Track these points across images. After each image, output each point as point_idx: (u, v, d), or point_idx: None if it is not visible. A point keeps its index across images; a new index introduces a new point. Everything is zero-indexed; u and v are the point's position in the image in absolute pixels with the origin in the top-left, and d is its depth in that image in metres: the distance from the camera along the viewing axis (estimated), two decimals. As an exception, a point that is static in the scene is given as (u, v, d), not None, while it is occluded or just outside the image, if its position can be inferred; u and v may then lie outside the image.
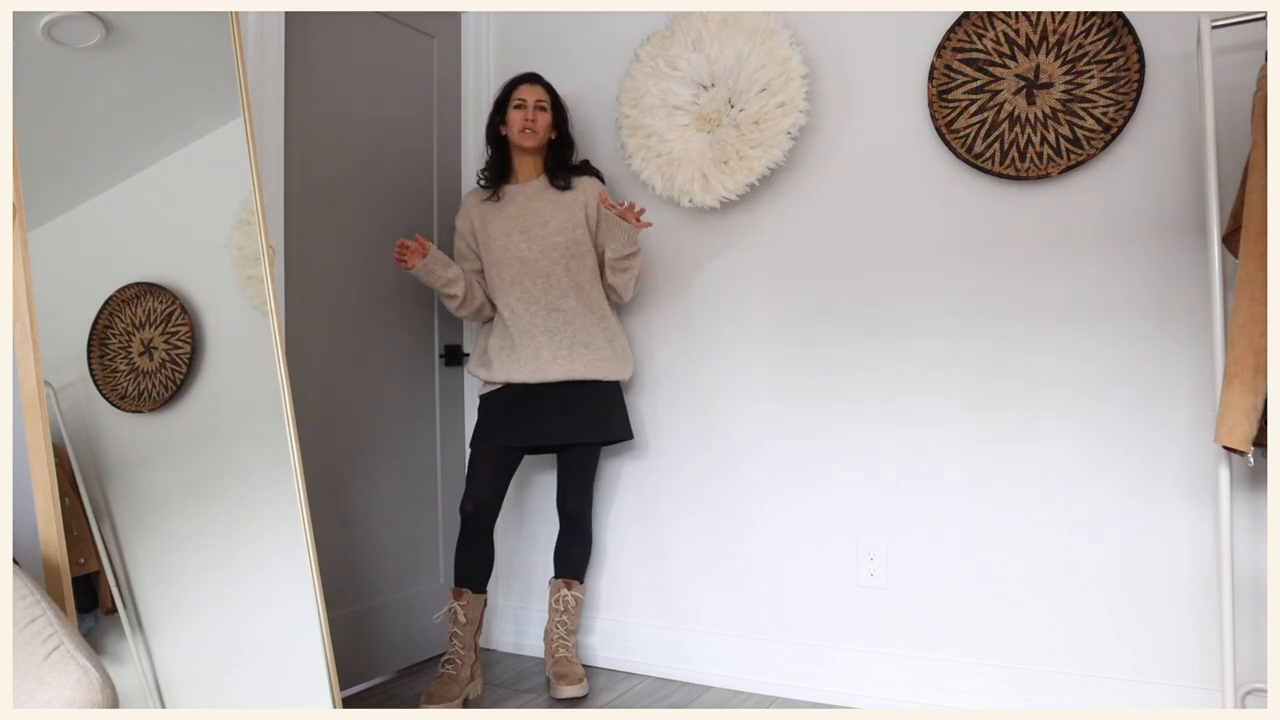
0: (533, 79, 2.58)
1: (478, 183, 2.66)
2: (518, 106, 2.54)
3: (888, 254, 2.40)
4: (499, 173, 2.60)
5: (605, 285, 2.58)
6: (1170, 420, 2.10)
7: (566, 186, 2.55)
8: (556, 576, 2.61)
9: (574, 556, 2.60)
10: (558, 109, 2.60)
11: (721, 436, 2.62)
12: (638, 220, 2.40)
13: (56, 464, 1.64)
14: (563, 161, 2.60)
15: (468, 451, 2.98)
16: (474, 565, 2.48)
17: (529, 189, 2.57)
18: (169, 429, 1.83)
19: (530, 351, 2.48)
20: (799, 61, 2.42)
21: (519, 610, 2.92)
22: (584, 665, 2.73)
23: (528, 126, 2.53)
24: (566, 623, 2.56)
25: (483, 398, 2.56)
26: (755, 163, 2.46)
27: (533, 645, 2.88)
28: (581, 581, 2.60)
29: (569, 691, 2.43)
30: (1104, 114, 2.13)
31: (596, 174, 2.64)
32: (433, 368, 2.87)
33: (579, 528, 2.60)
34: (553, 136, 2.59)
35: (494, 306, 2.59)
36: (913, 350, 2.37)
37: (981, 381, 2.29)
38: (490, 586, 2.96)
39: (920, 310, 2.36)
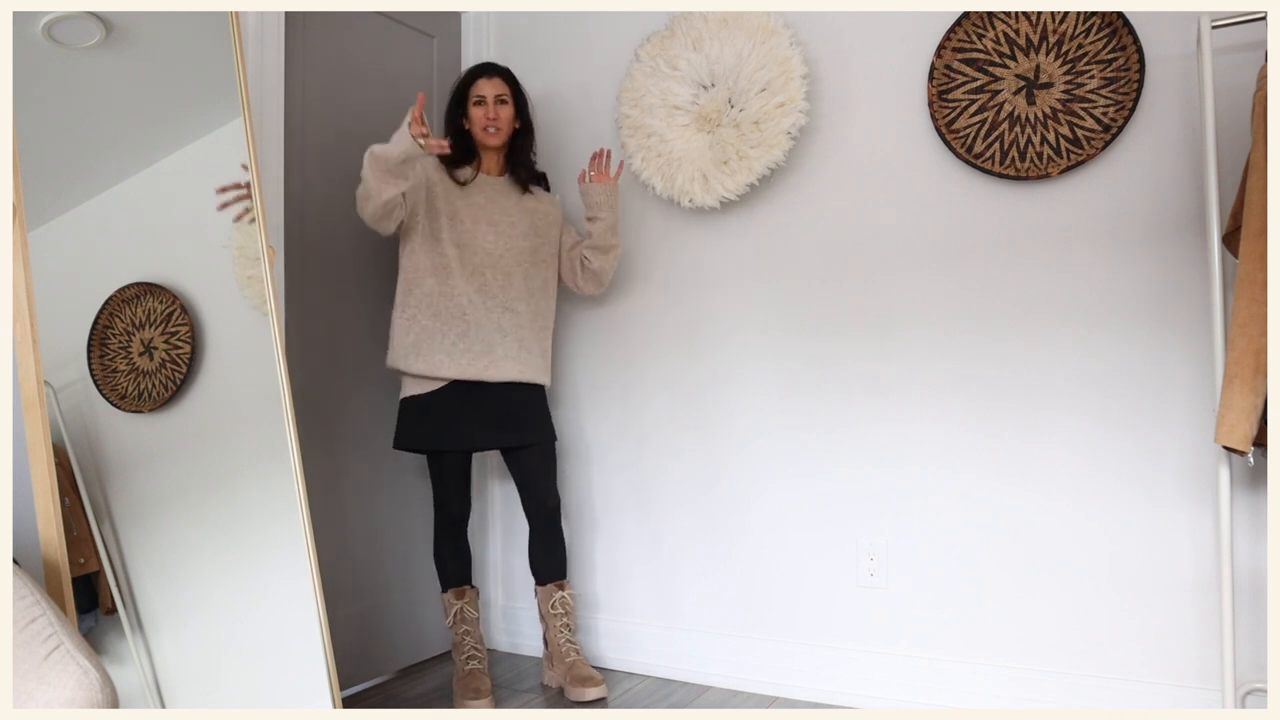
0: (490, 71, 2.51)
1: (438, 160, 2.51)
2: (477, 103, 2.49)
3: (888, 254, 2.40)
4: (463, 160, 2.51)
5: (581, 279, 2.60)
6: (1170, 420, 2.10)
7: (527, 191, 2.55)
8: (545, 582, 2.54)
9: (556, 557, 2.54)
10: (519, 98, 2.54)
11: (721, 436, 2.62)
12: (607, 169, 2.51)
13: (56, 464, 1.64)
14: (525, 156, 2.56)
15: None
16: (463, 564, 2.53)
17: (497, 184, 2.53)
18: (169, 429, 1.83)
19: (483, 346, 2.40)
20: (799, 61, 2.42)
21: (509, 609, 2.92)
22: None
23: (491, 125, 2.48)
24: (569, 624, 2.53)
25: (416, 399, 2.40)
26: (755, 163, 2.46)
27: (529, 645, 2.88)
28: (567, 577, 2.59)
29: (594, 693, 2.40)
30: (1104, 114, 2.13)
31: (548, 189, 2.67)
32: (433, 368, 2.86)
33: (554, 524, 2.53)
34: (516, 126, 2.54)
35: (412, 284, 2.43)
36: (913, 350, 2.37)
37: (981, 381, 2.29)
38: (481, 587, 2.97)
39: (920, 310, 2.36)
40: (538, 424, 2.51)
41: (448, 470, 2.45)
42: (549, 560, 2.54)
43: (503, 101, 2.50)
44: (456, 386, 2.42)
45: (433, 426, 2.40)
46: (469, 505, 2.51)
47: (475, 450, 2.46)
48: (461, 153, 2.52)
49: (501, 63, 2.94)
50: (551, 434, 2.54)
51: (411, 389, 2.43)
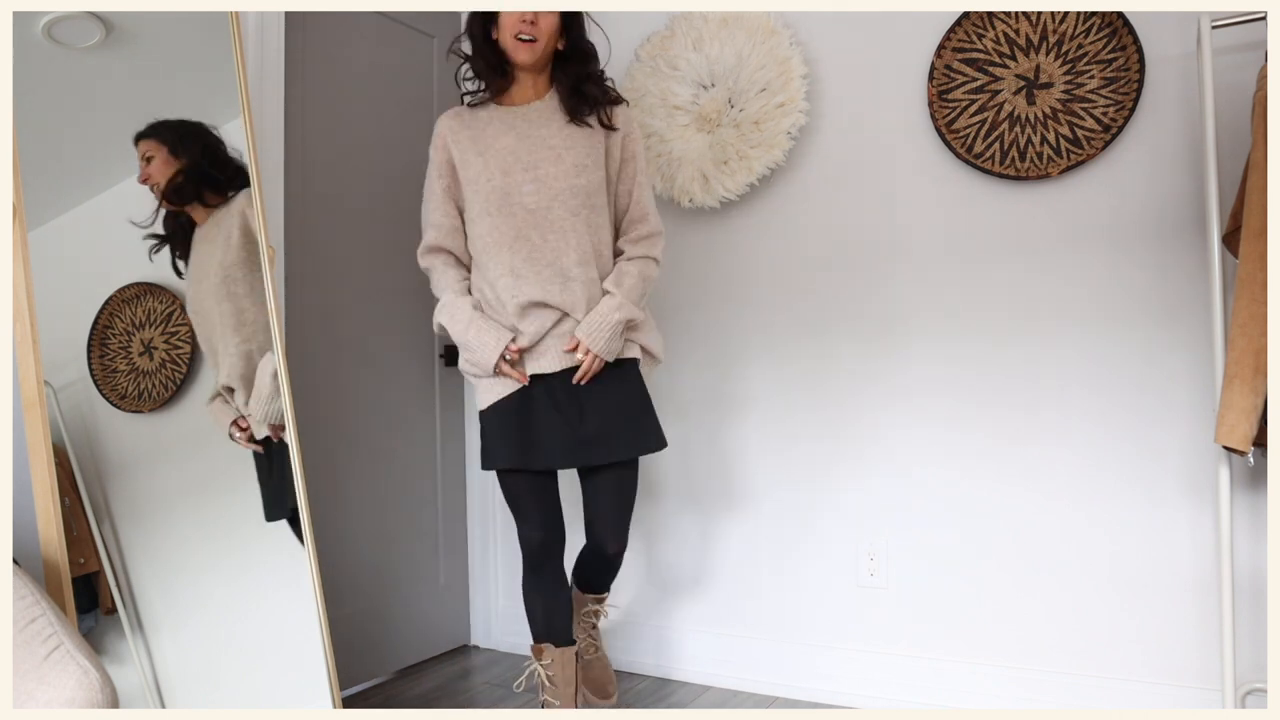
0: None
1: (462, 100, 2.07)
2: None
3: (888, 254, 2.40)
4: (490, 82, 1.97)
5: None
6: (1170, 420, 2.10)
7: (586, 119, 1.96)
8: (587, 591, 2.26)
9: (607, 579, 2.21)
10: (569, 15, 1.94)
11: (721, 436, 2.62)
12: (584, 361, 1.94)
13: (56, 464, 1.64)
14: (575, 80, 1.96)
15: (461, 454, 2.98)
16: (554, 608, 2.04)
17: (530, 112, 1.97)
18: (169, 429, 1.83)
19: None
20: (799, 61, 2.42)
21: (508, 609, 2.92)
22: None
23: (525, 31, 1.87)
24: (593, 624, 2.30)
25: (491, 408, 1.98)
26: (755, 163, 2.46)
27: (528, 645, 2.87)
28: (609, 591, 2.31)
29: (607, 706, 2.26)
30: (1104, 114, 2.13)
31: (619, 99, 2.03)
32: (432, 367, 2.86)
33: (616, 559, 2.10)
34: (560, 47, 1.96)
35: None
36: (913, 350, 2.37)
37: (982, 381, 2.29)
38: (482, 587, 2.96)
39: (920, 309, 2.36)
40: (632, 430, 1.99)
41: (522, 491, 2.03)
42: (596, 578, 2.21)
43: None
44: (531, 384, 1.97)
45: (523, 443, 1.97)
46: (558, 532, 2.07)
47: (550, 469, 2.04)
48: (491, 73, 1.98)
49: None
50: (645, 444, 2.01)
51: (489, 396, 1.99)
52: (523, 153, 1.94)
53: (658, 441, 2.01)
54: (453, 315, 1.94)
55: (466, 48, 2.03)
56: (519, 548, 2.21)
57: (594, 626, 2.37)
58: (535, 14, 1.86)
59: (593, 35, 2.06)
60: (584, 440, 1.94)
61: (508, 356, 1.89)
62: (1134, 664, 2.13)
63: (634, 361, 2.02)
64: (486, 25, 1.96)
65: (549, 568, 2.05)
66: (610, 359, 1.95)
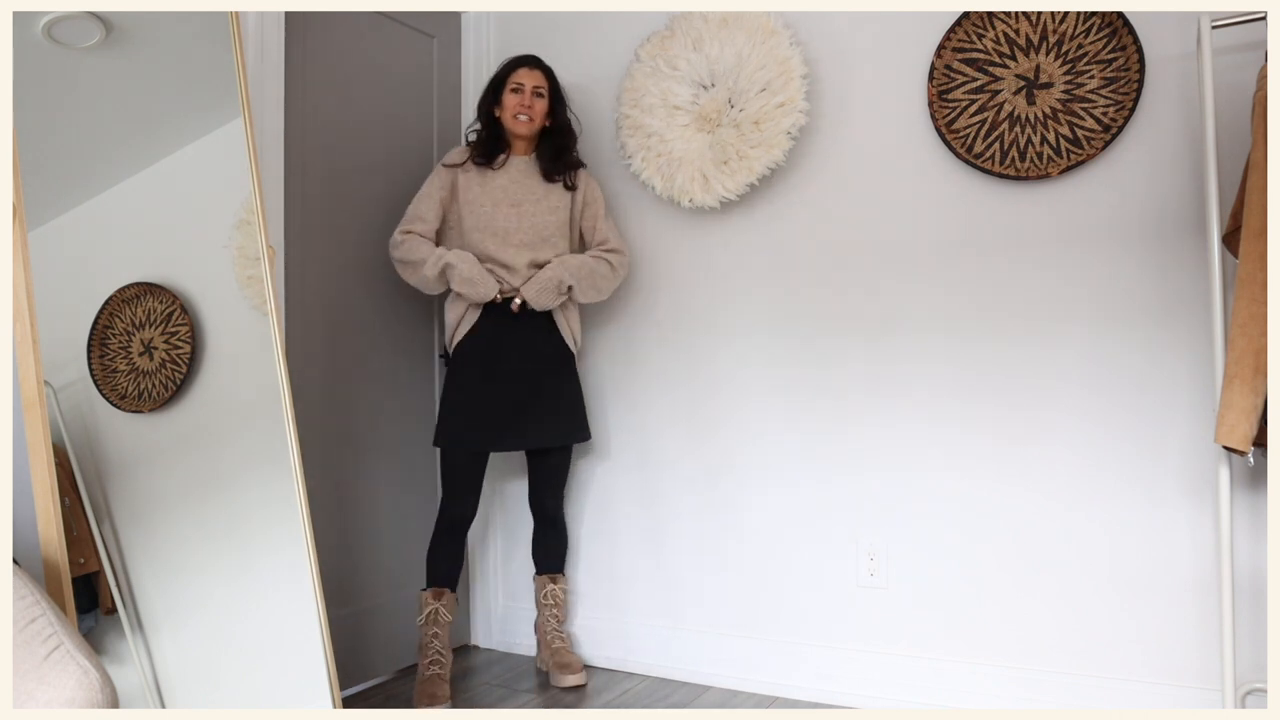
0: (532, 62, 2.55)
1: (466, 144, 2.61)
2: (514, 90, 2.52)
3: (888, 254, 2.41)
4: (492, 150, 2.55)
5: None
6: (1170, 420, 2.10)
7: (557, 179, 2.56)
8: (541, 573, 2.69)
9: (556, 551, 2.69)
10: (556, 95, 2.57)
11: (721, 436, 2.62)
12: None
13: (56, 464, 1.64)
14: (559, 151, 2.57)
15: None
16: (455, 565, 2.54)
17: (521, 163, 2.56)
18: (169, 429, 1.83)
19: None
20: (799, 61, 2.42)
21: (508, 609, 2.92)
22: (584, 665, 2.74)
23: (523, 113, 2.51)
24: (558, 615, 2.65)
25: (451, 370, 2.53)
26: (755, 163, 2.46)
27: (528, 645, 2.88)
28: (564, 573, 2.72)
29: (572, 680, 2.54)
30: (1104, 114, 2.13)
31: (580, 164, 2.63)
32: (432, 368, 2.87)
33: (556, 522, 2.68)
34: (546, 124, 2.57)
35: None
36: (912, 350, 2.37)
37: (981, 381, 2.29)
38: (482, 587, 2.96)
39: (920, 309, 2.36)
40: (569, 422, 2.59)
41: (456, 466, 2.52)
42: (547, 555, 2.69)
43: (539, 94, 2.53)
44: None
45: (468, 427, 2.50)
46: (475, 505, 2.56)
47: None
48: (491, 143, 2.55)
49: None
50: (579, 435, 2.63)
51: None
52: (513, 191, 2.53)
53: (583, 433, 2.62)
54: (461, 259, 2.44)
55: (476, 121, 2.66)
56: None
57: (557, 619, 2.64)
58: (531, 101, 2.52)
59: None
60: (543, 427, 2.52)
61: (499, 295, 2.48)
62: (1134, 664, 2.13)
63: (571, 358, 2.59)
64: (491, 107, 2.56)
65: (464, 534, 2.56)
66: (537, 308, 2.48)
